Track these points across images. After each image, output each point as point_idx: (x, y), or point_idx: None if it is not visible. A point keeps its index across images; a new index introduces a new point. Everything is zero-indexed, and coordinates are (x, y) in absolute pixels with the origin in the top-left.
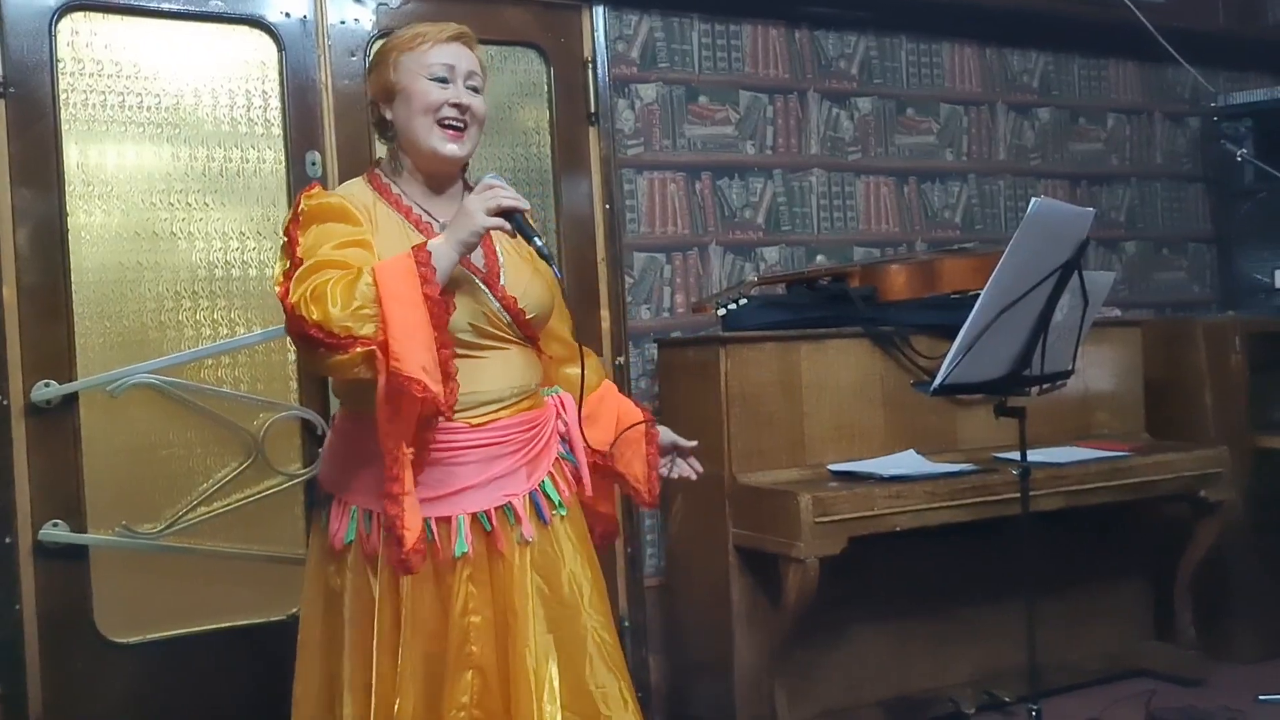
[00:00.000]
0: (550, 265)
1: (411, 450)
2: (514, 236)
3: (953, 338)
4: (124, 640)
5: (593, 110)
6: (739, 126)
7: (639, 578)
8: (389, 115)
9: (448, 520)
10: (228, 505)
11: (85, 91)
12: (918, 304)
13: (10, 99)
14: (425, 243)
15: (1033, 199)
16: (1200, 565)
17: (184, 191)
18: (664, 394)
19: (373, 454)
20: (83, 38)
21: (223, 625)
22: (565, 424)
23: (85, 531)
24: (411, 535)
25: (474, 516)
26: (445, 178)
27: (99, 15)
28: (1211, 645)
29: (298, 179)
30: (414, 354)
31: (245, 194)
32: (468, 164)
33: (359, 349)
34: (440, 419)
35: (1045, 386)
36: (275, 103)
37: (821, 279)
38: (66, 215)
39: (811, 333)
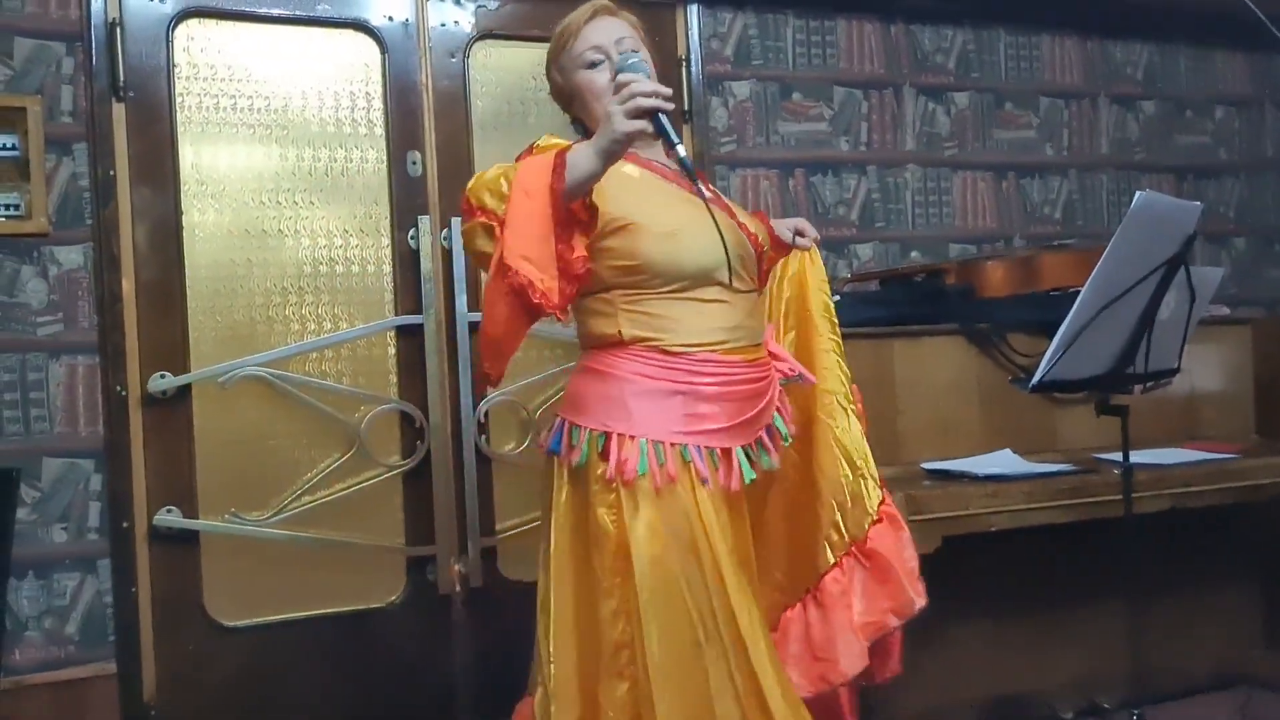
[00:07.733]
0: (692, 180)
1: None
2: (656, 139)
3: (1052, 335)
4: (232, 623)
5: (686, 108)
6: (833, 123)
7: None
8: (584, 117)
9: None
10: (330, 495)
11: (199, 95)
12: (1015, 301)
13: (130, 102)
14: (571, 145)
15: (1137, 192)
16: None
17: (290, 190)
18: None
19: (656, 387)
20: (197, 43)
21: (326, 611)
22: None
23: (197, 518)
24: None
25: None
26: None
27: (212, 21)
28: None
29: (398, 178)
30: (520, 243)
31: (348, 193)
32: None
33: (479, 219)
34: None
35: (1150, 384)
36: (378, 104)
37: (916, 275)
38: (181, 213)
39: (906, 329)
